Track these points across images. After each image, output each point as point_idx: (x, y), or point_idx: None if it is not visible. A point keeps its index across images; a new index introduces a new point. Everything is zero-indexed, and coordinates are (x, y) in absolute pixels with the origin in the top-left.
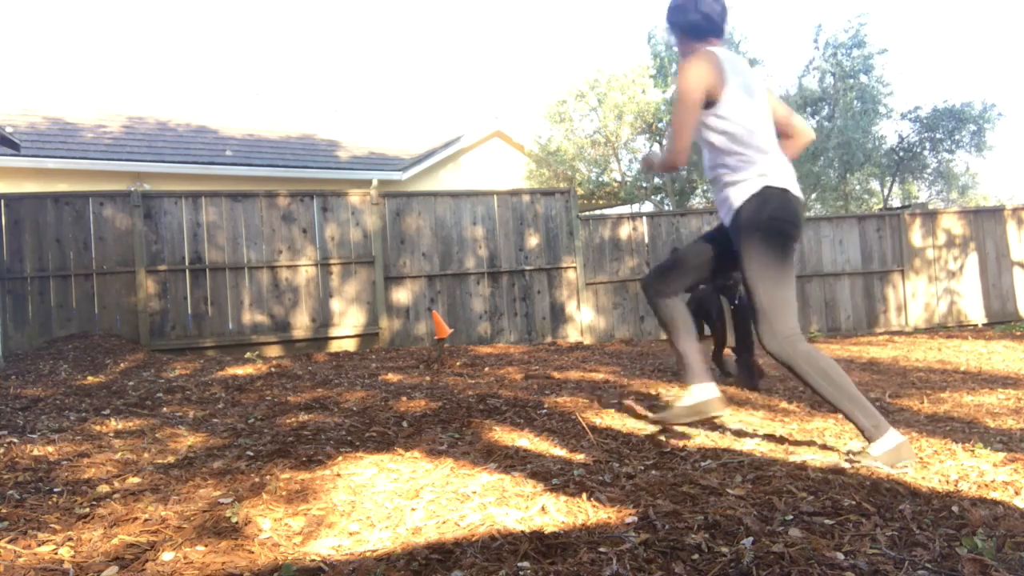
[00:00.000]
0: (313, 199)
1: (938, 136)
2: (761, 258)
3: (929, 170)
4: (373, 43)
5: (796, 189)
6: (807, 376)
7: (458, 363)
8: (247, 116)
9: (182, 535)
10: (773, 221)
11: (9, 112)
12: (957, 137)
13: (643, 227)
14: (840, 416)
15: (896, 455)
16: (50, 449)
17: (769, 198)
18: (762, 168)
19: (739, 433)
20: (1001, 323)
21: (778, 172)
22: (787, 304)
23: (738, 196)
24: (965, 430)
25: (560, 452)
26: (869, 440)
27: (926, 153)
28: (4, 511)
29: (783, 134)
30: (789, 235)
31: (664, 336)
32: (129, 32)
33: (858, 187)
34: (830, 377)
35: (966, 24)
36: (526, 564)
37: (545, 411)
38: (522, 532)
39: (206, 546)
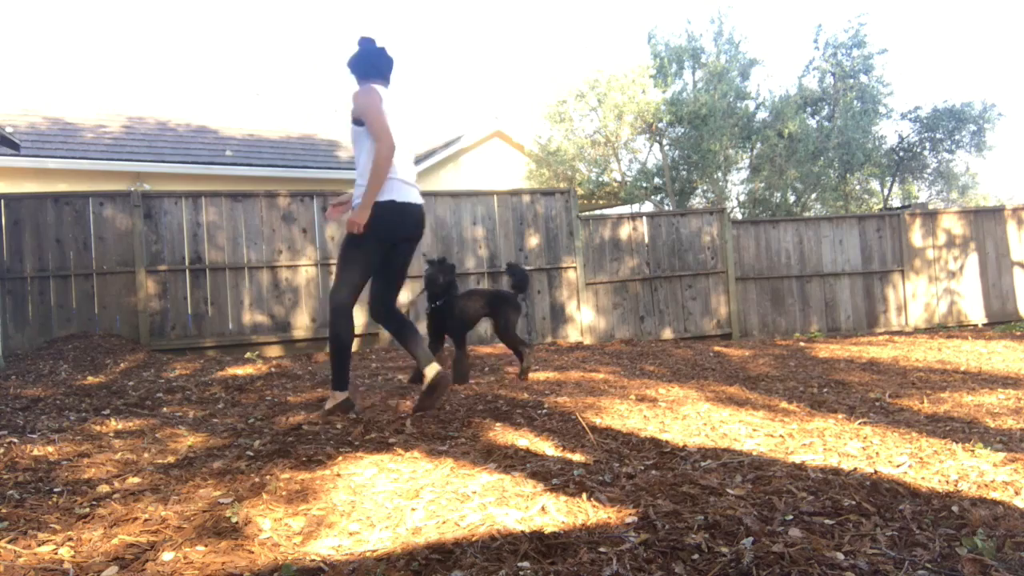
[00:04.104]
0: (313, 199)
1: (938, 136)
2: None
3: (929, 170)
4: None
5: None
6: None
7: None
8: (247, 116)
9: (182, 535)
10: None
11: (9, 112)
12: (957, 137)
13: (643, 227)
14: (840, 416)
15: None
16: (50, 449)
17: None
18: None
19: (739, 433)
20: (1001, 323)
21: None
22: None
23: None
24: (965, 430)
25: (560, 452)
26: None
27: (926, 153)
28: (4, 511)
29: None
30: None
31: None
32: (129, 32)
33: (858, 187)
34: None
35: (966, 24)
36: (526, 564)
37: (545, 411)
38: (522, 532)
39: (206, 546)
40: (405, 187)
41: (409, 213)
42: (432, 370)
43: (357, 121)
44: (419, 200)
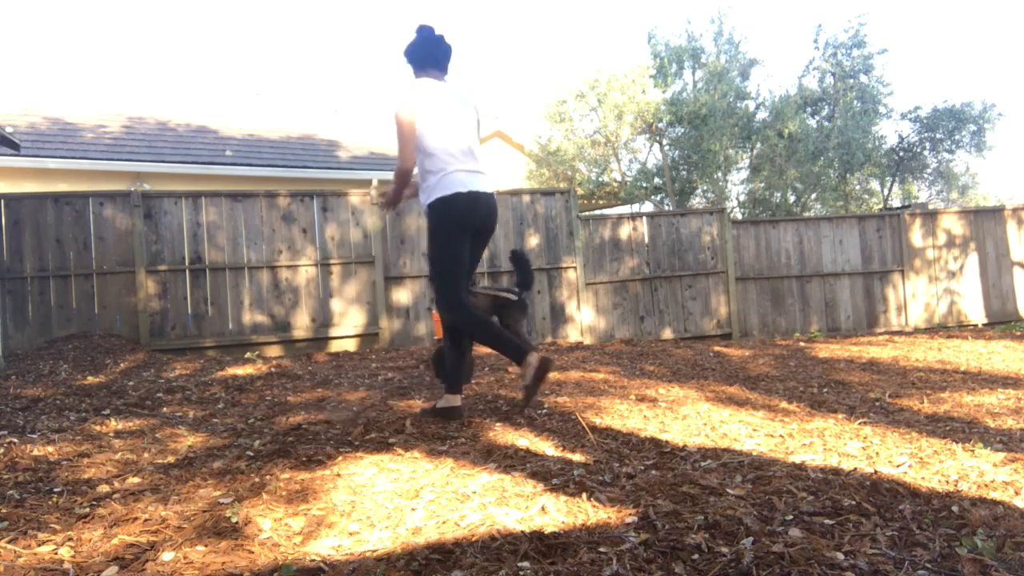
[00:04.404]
0: (313, 199)
1: (938, 136)
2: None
3: (929, 170)
4: (373, 43)
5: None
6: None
7: None
8: (247, 116)
9: (182, 535)
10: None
11: (9, 112)
12: (957, 137)
13: (643, 227)
14: (840, 416)
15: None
16: (50, 449)
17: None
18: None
19: (739, 433)
20: (1001, 323)
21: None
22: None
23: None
24: (965, 430)
25: (560, 452)
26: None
27: (926, 153)
28: (4, 511)
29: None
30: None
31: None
32: (129, 32)
33: (858, 187)
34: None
35: (966, 24)
36: (526, 564)
37: (545, 411)
38: (522, 532)
39: (206, 546)
40: (469, 176)
41: (478, 201)
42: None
43: None
44: (486, 188)
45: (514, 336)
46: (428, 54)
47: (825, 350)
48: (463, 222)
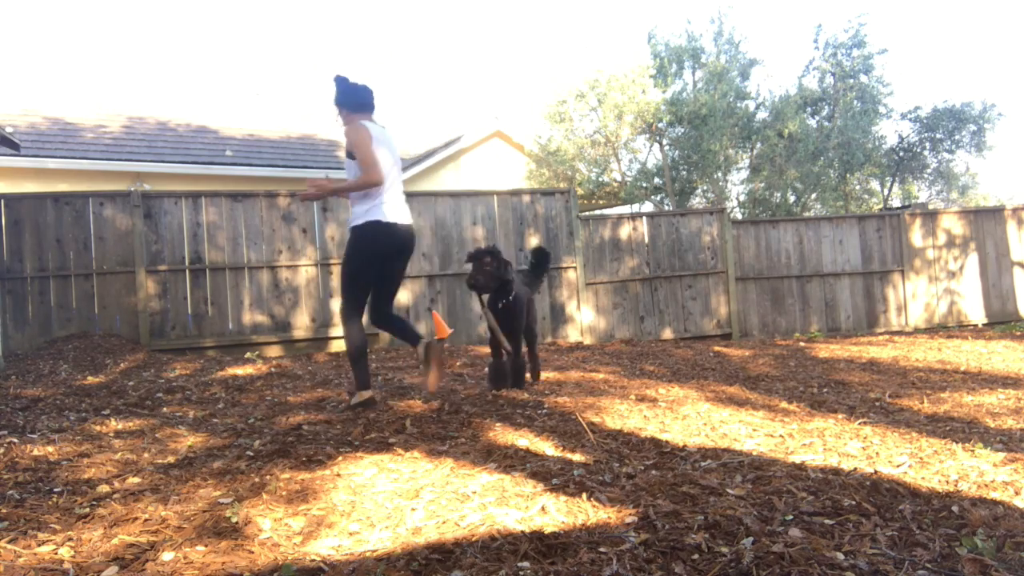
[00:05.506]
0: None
1: (938, 136)
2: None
3: (929, 170)
4: (373, 43)
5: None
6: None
7: (458, 363)
8: (247, 116)
9: (182, 535)
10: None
11: (9, 112)
12: (957, 137)
13: (643, 227)
14: (840, 416)
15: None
16: (50, 449)
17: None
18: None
19: (739, 433)
20: (1001, 323)
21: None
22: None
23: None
24: (965, 430)
25: (560, 452)
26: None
27: (926, 153)
28: (4, 511)
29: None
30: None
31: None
32: (129, 32)
33: (858, 187)
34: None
35: (966, 24)
36: (526, 564)
37: (545, 411)
38: (522, 532)
39: (206, 546)
40: (392, 209)
41: (394, 232)
42: (422, 345)
43: (350, 154)
44: (405, 220)
45: (365, 370)
46: (360, 100)
47: (825, 350)
48: (379, 248)
